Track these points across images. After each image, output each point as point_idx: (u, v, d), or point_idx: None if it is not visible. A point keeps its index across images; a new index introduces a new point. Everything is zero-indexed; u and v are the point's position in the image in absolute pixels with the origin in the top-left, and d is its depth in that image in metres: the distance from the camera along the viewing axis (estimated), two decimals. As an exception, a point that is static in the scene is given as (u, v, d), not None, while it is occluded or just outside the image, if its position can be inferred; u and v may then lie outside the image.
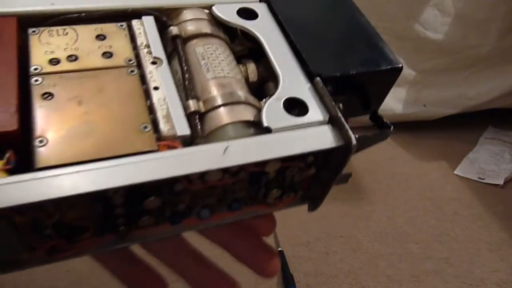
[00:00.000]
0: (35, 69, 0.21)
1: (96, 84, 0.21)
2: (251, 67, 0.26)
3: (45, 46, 0.22)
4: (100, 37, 0.23)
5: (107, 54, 0.23)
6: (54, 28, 0.23)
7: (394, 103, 0.93)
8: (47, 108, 0.20)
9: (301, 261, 0.54)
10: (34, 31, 0.23)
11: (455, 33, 0.84)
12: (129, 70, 0.22)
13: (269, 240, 0.58)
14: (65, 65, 0.22)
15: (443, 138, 0.89)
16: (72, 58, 0.22)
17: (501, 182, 0.70)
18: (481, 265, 0.51)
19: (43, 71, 0.21)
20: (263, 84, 0.26)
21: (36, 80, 0.21)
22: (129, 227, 0.21)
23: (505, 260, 0.52)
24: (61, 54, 0.22)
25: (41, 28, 0.23)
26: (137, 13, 0.25)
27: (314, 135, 0.22)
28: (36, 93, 0.20)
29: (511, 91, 0.86)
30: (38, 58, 0.22)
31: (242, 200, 0.24)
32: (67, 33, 0.23)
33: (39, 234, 0.19)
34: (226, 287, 0.26)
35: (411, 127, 0.93)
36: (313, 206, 0.27)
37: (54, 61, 0.22)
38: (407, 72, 0.92)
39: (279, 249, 0.55)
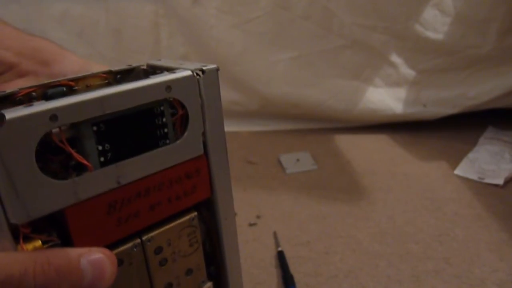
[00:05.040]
0: (148, 240, 0.25)
1: None
2: None
3: (174, 236, 0.26)
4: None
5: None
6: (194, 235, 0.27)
7: (394, 103, 0.93)
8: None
9: (301, 261, 0.53)
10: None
11: (455, 33, 0.84)
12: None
13: (269, 240, 0.58)
14: (154, 260, 0.25)
15: (443, 138, 0.89)
16: (163, 262, 0.26)
17: (501, 182, 0.70)
18: (481, 265, 0.51)
19: (147, 246, 0.25)
20: None
21: (133, 246, 0.24)
22: None
23: (505, 260, 0.52)
24: (167, 254, 0.26)
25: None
26: None
27: None
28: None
29: (511, 91, 0.86)
30: (160, 237, 0.25)
31: None
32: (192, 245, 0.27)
33: None
34: None
35: (411, 127, 0.94)
36: None
37: (158, 250, 0.25)
38: (407, 72, 0.92)
39: (279, 249, 0.55)
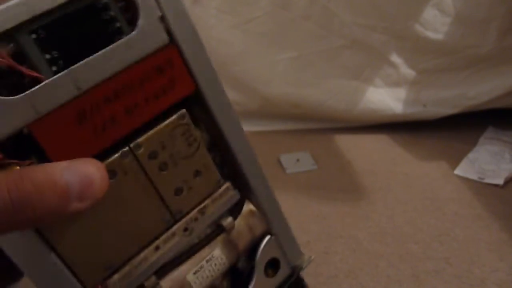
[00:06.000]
0: (137, 146, 0.22)
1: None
2: None
3: (166, 138, 0.23)
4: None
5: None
6: (189, 133, 0.24)
7: (394, 103, 0.93)
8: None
9: (301, 261, 0.54)
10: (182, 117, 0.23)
11: (455, 33, 0.84)
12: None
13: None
14: (151, 166, 0.22)
15: (443, 138, 0.89)
16: (163, 167, 0.23)
17: (501, 182, 0.70)
18: (481, 265, 0.51)
19: (138, 152, 0.22)
20: None
21: (122, 155, 0.21)
22: None
23: (505, 260, 0.52)
24: (165, 158, 0.23)
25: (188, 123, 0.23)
26: None
27: None
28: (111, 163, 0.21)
29: (511, 91, 0.86)
30: (150, 142, 0.22)
31: None
32: (190, 144, 0.24)
33: None
34: None
35: (411, 127, 0.94)
36: None
37: (153, 155, 0.22)
38: (407, 72, 0.92)
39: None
